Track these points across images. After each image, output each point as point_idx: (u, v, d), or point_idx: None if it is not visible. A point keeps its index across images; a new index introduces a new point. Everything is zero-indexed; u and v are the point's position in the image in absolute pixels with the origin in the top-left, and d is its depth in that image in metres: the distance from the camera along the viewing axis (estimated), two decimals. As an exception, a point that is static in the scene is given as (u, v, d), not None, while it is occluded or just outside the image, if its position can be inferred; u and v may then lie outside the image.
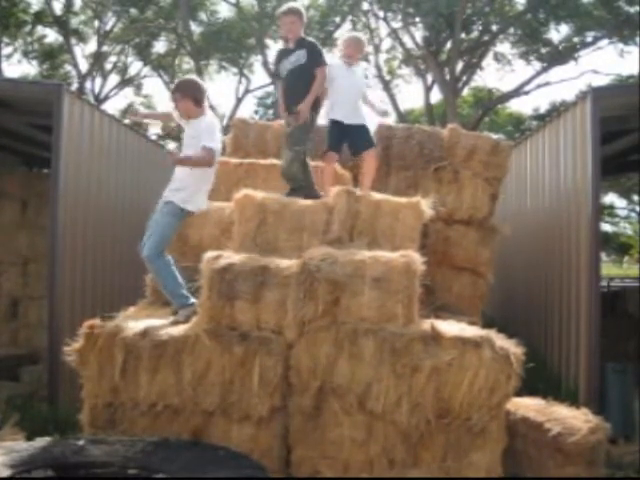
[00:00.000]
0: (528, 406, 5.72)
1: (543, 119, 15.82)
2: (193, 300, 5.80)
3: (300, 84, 6.83)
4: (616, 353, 7.79)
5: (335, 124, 7.04)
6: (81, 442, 4.54)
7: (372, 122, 7.58)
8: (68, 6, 28.78)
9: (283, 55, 7.12)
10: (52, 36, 31.83)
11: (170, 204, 6.01)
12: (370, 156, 7.09)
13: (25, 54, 30.40)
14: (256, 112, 32.53)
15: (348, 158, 7.56)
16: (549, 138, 9.08)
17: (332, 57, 7.16)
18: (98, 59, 30.04)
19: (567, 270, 8.01)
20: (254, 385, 5.03)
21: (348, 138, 7.09)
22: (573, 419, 5.43)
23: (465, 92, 29.29)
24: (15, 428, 6.58)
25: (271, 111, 30.94)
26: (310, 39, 7.14)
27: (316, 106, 6.98)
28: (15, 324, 10.12)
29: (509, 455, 5.18)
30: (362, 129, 7.11)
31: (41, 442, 4.65)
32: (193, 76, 6.55)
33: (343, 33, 27.24)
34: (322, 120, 7.24)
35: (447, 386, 4.94)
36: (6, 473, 3.99)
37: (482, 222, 7.86)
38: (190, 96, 6.07)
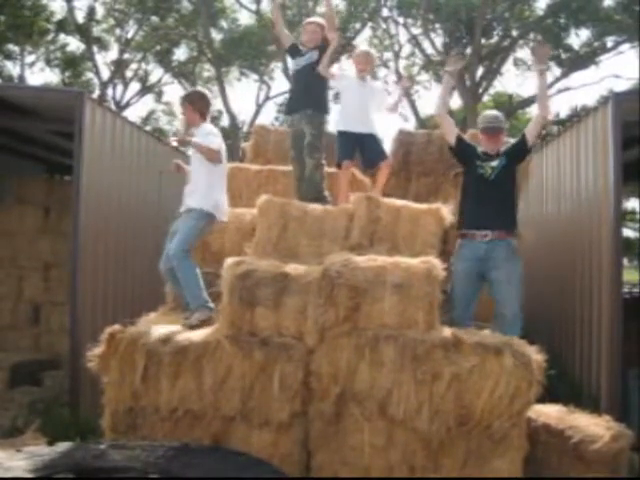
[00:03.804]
0: (549, 413, 5.67)
1: (564, 124, 15.72)
2: (211, 305, 5.85)
3: (309, 84, 7.11)
4: (638, 360, 7.71)
5: (343, 135, 7.17)
6: (102, 447, 4.56)
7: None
8: (90, 14, 29.02)
9: (298, 52, 7.36)
10: (74, 44, 32.14)
11: (192, 210, 6.15)
12: (386, 166, 7.15)
13: (47, 62, 30.66)
14: (276, 119, 32.61)
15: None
16: (570, 143, 9.03)
17: (349, 68, 7.33)
18: (119, 67, 30.26)
19: (588, 276, 7.96)
20: (274, 391, 5.04)
21: (360, 148, 7.14)
22: (595, 426, 5.38)
23: (485, 98, 29.18)
24: (37, 433, 6.65)
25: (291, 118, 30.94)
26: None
27: (325, 108, 7.20)
28: (37, 329, 10.18)
29: (530, 462, 5.15)
30: (373, 139, 7.18)
31: (63, 447, 4.68)
32: (203, 90, 6.79)
33: (362, 41, 27.42)
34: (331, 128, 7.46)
35: (468, 393, 4.92)
36: (28, 477, 4.02)
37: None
38: (198, 109, 6.40)
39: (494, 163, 6.24)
